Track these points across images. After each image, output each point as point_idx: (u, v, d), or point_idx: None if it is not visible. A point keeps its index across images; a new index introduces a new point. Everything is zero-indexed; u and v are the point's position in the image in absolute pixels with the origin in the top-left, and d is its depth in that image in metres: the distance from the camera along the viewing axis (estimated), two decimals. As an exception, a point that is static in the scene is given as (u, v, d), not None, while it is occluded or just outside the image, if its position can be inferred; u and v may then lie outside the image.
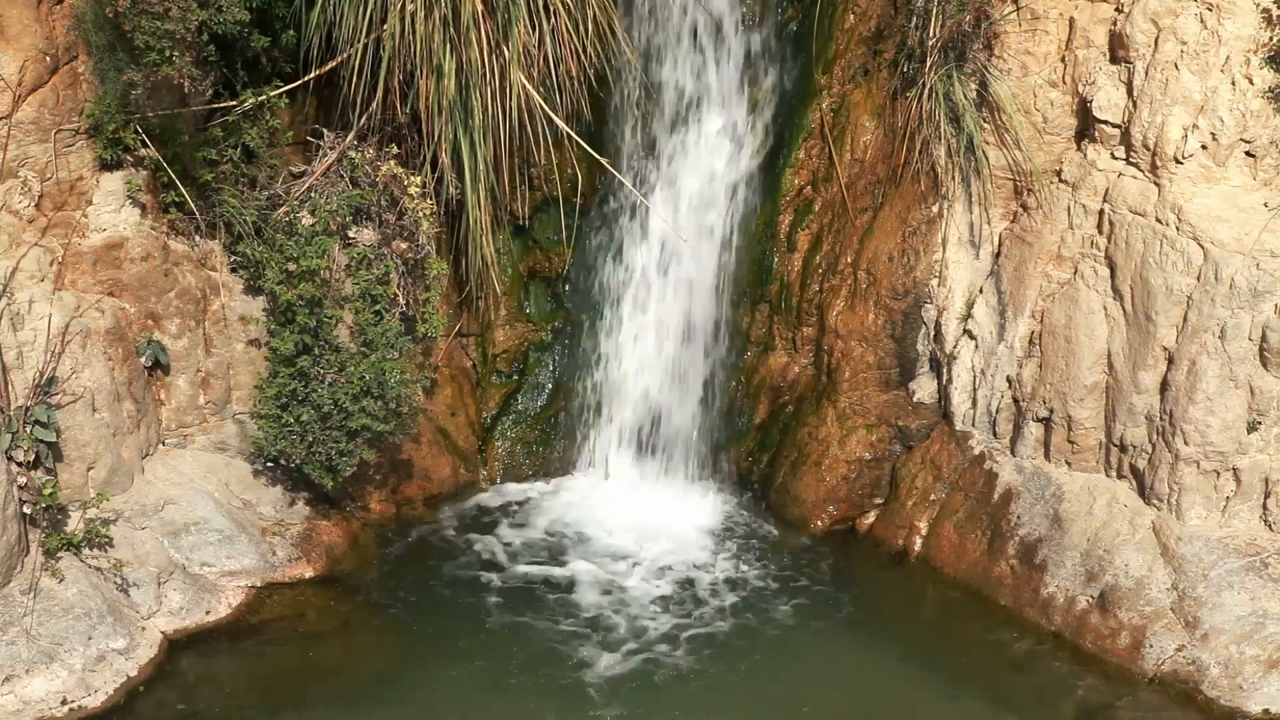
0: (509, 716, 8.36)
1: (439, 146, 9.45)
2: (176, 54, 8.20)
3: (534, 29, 9.14)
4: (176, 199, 9.10)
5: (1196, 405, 8.64)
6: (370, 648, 8.88)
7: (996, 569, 9.39)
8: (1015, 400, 9.58)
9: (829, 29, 9.98)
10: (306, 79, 9.37)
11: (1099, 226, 9.05)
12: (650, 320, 10.55)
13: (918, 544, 9.82)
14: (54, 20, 8.45)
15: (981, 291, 9.74)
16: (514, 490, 10.51)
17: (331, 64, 9.27)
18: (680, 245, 10.32)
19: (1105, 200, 9.00)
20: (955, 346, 9.85)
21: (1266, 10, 8.51)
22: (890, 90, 9.84)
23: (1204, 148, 8.62)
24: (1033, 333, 9.42)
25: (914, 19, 9.53)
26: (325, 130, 9.62)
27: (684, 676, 8.69)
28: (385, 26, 8.99)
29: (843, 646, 8.99)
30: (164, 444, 9.40)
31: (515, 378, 10.77)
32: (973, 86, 9.41)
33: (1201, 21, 8.61)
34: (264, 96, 9.25)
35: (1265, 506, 8.74)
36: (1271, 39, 8.51)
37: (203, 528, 9.08)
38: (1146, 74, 8.76)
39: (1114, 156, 9.03)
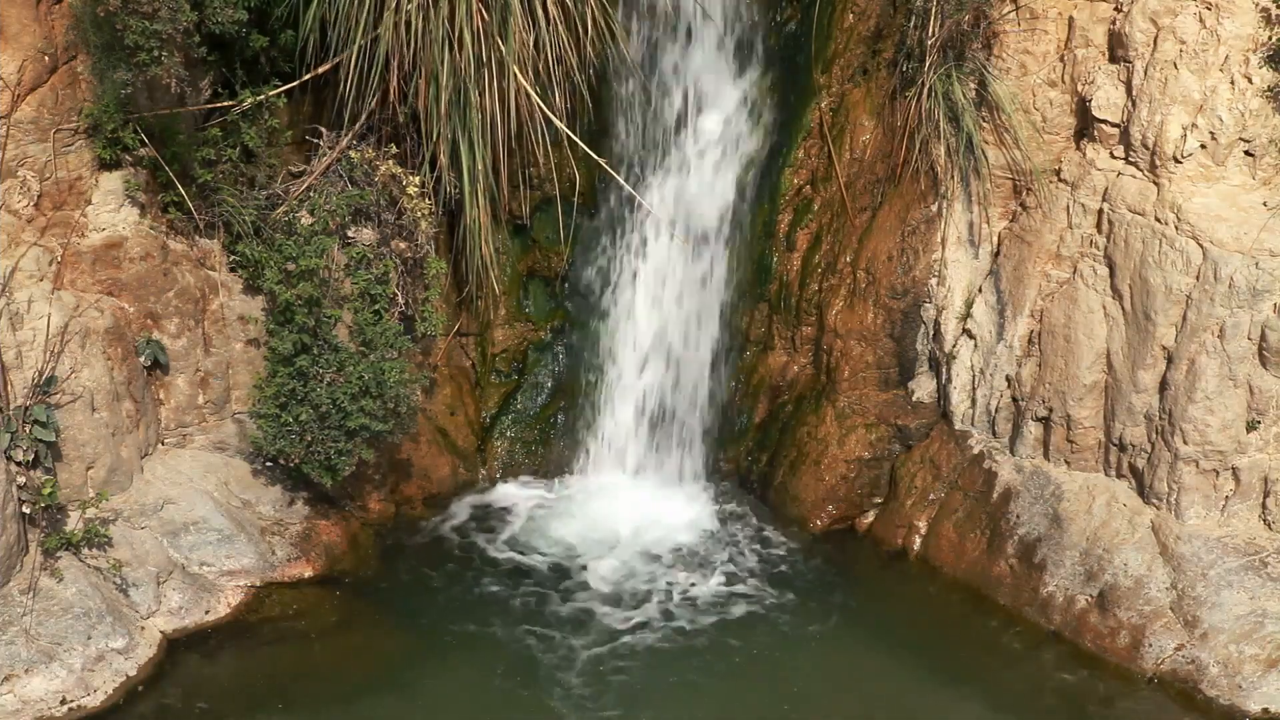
0: (507, 715, 8.36)
1: (438, 146, 9.46)
2: (165, 54, 8.19)
3: (532, 28, 9.13)
4: (175, 198, 9.10)
5: (1196, 404, 8.64)
6: (369, 647, 8.88)
7: (996, 568, 9.39)
8: (1014, 399, 9.58)
9: (828, 28, 9.98)
10: (305, 79, 9.37)
11: (1098, 226, 9.06)
12: (649, 319, 10.54)
13: (917, 543, 9.82)
14: (53, 20, 8.46)
15: (980, 291, 9.75)
16: (513, 489, 10.51)
17: (330, 64, 9.27)
18: (678, 244, 10.31)
19: (1104, 199, 9.00)
20: (954, 346, 9.86)
21: (1265, 9, 8.51)
22: (889, 89, 9.84)
23: (1203, 147, 8.62)
24: (1032, 332, 9.42)
25: (913, 18, 9.53)
26: (324, 130, 9.62)
27: (683, 675, 8.69)
28: (382, 26, 8.98)
29: (841, 646, 8.99)
30: (163, 443, 9.40)
31: (514, 377, 10.77)
32: (972, 86, 9.41)
33: (1200, 21, 8.61)
34: (262, 96, 9.25)
35: (1264, 505, 8.74)
36: (1270, 38, 8.51)
37: (202, 527, 9.08)
38: (1145, 73, 8.76)
39: (1113, 156, 9.03)
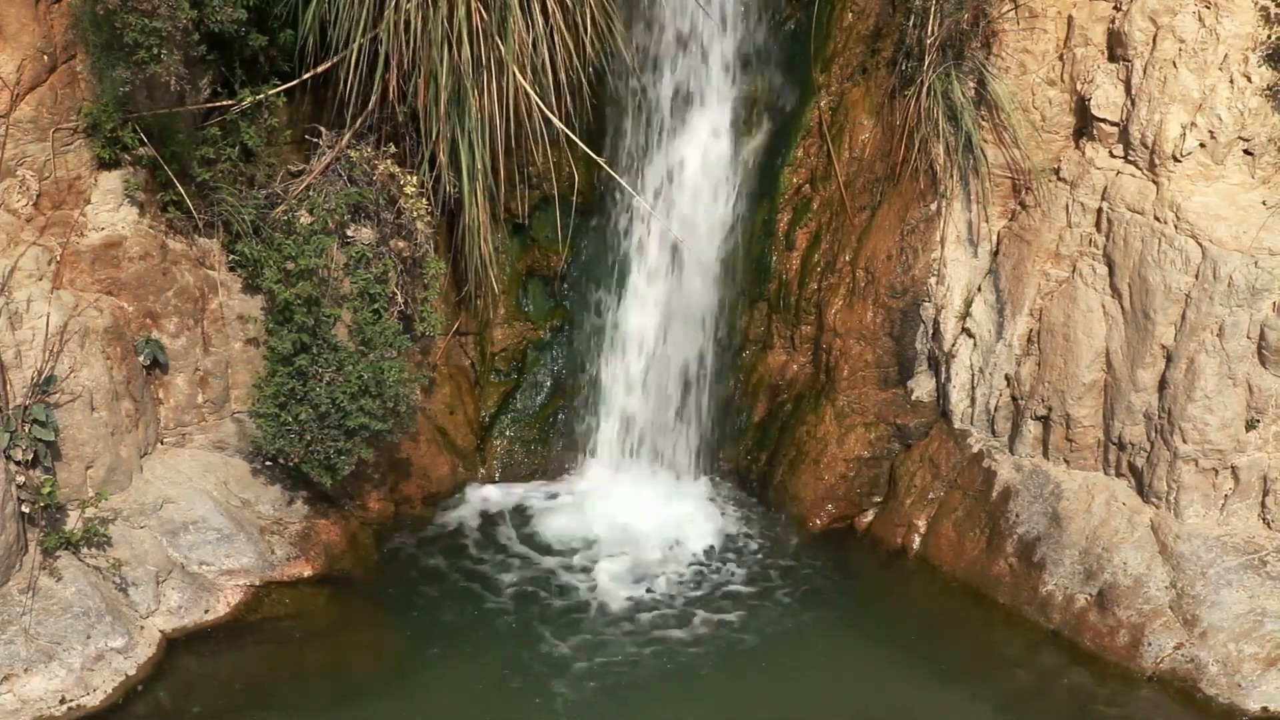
0: (507, 715, 8.36)
1: (437, 145, 9.45)
2: (165, 52, 8.18)
3: (531, 28, 9.13)
4: (175, 198, 9.10)
5: (1195, 403, 8.64)
6: (368, 646, 8.88)
7: (995, 567, 9.40)
8: (1013, 398, 9.58)
9: (827, 27, 9.98)
10: (304, 78, 9.37)
11: (1097, 225, 9.06)
12: (648, 318, 10.54)
13: (916, 542, 9.82)
14: (52, 19, 8.45)
15: (980, 290, 9.75)
16: (512, 489, 10.50)
17: (329, 63, 9.26)
18: (678, 243, 10.32)
19: (1103, 198, 9.00)
20: (953, 345, 9.86)
21: (1265, 8, 8.51)
22: (888, 88, 9.84)
23: (1202, 146, 8.63)
24: (1031, 331, 9.42)
25: (912, 17, 9.53)
26: (323, 129, 9.62)
27: (682, 674, 8.70)
28: (381, 25, 8.98)
29: (841, 645, 8.99)
30: (162, 443, 9.39)
31: (514, 376, 10.77)
32: (971, 85, 9.41)
33: (1200, 19, 8.61)
34: (262, 95, 9.25)
35: (1263, 504, 8.74)
36: (1270, 37, 8.51)
37: (201, 526, 9.08)
38: (1145, 72, 8.76)
39: (1112, 155, 9.04)
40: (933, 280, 9.87)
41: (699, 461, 10.63)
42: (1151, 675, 8.57)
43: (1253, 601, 8.53)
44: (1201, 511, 8.82)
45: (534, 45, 9.18)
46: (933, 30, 9.35)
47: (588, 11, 9.20)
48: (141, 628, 8.54)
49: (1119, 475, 9.21)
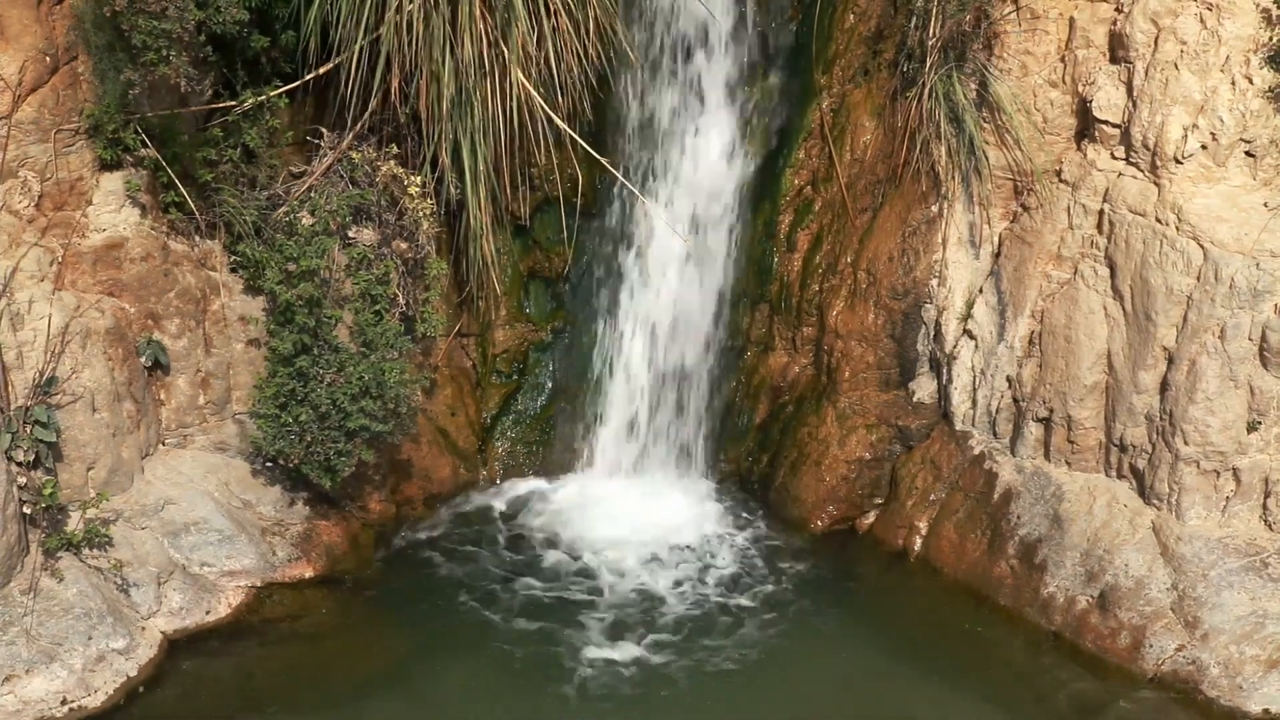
0: (508, 716, 8.36)
1: (439, 146, 9.45)
2: (174, 53, 8.20)
3: (534, 28, 9.13)
4: (176, 199, 9.10)
5: (1196, 405, 8.64)
6: (370, 647, 8.88)
7: (996, 569, 9.39)
8: (1015, 400, 9.58)
9: (829, 29, 9.98)
10: (306, 79, 9.37)
11: (1099, 226, 9.06)
12: (650, 320, 10.54)
13: (917, 544, 9.82)
14: (54, 20, 8.45)
15: (981, 291, 9.74)
16: (514, 490, 10.51)
17: (331, 64, 9.27)
18: (680, 244, 10.32)
19: (1105, 200, 9.00)
20: (955, 346, 9.85)
21: (1266, 10, 8.51)
22: (890, 90, 9.84)
23: (1204, 147, 8.62)
24: (1032, 333, 9.42)
25: (914, 19, 9.53)
26: (325, 130, 9.62)
27: (683, 676, 8.69)
28: (383, 27, 8.98)
29: (842, 646, 8.99)
30: (164, 444, 9.40)
31: (515, 378, 10.77)
32: (973, 86, 9.41)
33: (1201, 21, 8.61)
34: (264, 96, 9.25)
35: (1265, 506, 8.74)
36: (1271, 39, 8.51)
37: (203, 528, 9.08)
38: (1146, 74, 8.76)
39: (1114, 156, 9.03)
40: (934, 282, 9.86)
41: (700, 463, 10.63)
42: (1153, 677, 8.56)
43: (1254, 603, 8.52)
44: (1203, 513, 8.81)
45: (537, 46, 9.19)
46: (934, 32, 9.35)
47: (590, 12, 9.20)
48: (143, 629, 8.54)
49: (1120, 477, 9.20)
